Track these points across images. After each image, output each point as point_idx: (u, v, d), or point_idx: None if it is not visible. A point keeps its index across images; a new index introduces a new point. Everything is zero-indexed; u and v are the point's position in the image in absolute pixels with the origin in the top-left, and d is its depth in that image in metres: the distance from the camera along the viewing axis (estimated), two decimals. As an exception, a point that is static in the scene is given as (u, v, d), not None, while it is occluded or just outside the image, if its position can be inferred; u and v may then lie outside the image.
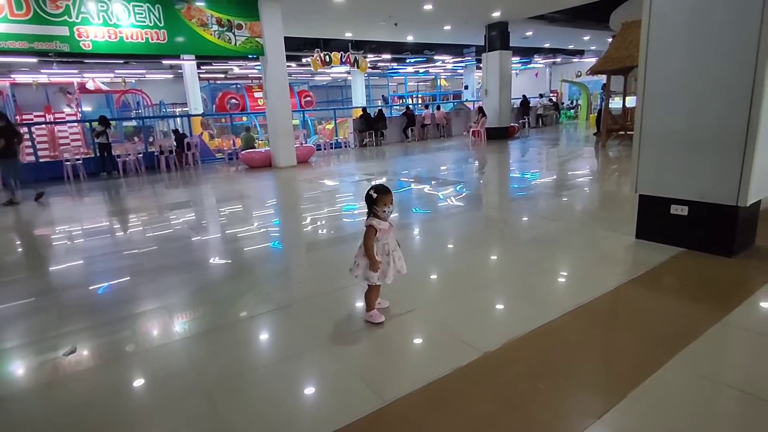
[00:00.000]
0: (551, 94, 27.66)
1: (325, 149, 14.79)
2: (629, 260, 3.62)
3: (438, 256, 4.06)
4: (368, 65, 18.14)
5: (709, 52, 3.24)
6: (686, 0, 3.30)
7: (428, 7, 11.84)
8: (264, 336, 2.70)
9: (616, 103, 14.91)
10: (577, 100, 26.09)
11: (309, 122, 18.32)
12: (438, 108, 18.57)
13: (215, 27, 9.70)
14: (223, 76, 23.11)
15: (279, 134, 10.92)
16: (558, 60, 27.81)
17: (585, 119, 22.29)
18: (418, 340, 2.49)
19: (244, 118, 17.88)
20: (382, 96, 28.52)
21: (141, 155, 11.61)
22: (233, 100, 18.78)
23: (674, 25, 3.39)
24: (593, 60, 23.95)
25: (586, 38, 19.40)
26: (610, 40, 16.41)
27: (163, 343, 2.61)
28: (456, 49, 20.30)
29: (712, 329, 2.39)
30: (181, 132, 13.05)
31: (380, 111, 16.09)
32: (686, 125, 3.43)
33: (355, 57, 16.11)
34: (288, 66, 12.61)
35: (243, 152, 11.68)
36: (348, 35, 15.66)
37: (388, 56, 20.80)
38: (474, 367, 2.16)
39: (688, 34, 3.32)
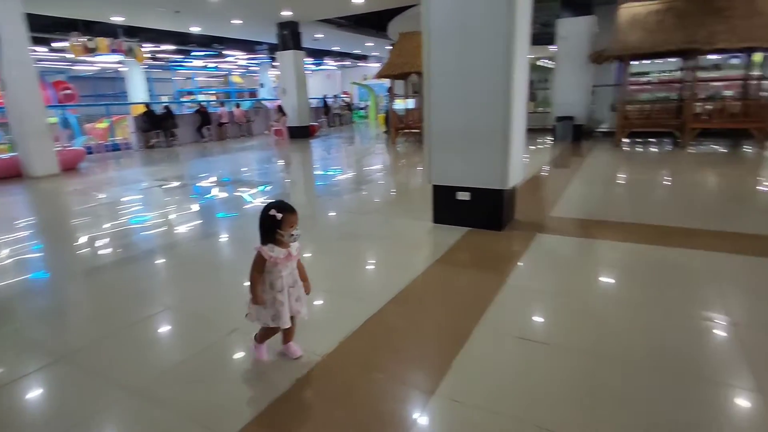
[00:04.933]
0: (344, 95, 29.37)
1: (98, 153, 12.42)
2: (431, 243, 4.11)
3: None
4: (145, 56, 15.91)
5: (474, 60, 3.89)
6: (455, 14, 3.87)
7: (214, -3, 11.03)
8: (40, 403, 2.08)
9: (399, 104, 16.75)
10: (366, 102, 28.37)
11: (73, 120, 15.04)
12: (237, 106, 17.62)
13: None
14: None
15: (29, 135, 8.61)
16: (347, 63, 29.67)
17: (374, 119, 24.44)
18: (250, 361, 2.28)
19: (-32, 116, 13.54)
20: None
21: None
22: (-55, 91, 13.95)
23: (447, 35, 3.96)
24: (376, 65, 26.44)
25: (369, 44, 21.20)
26: (389, 48, 18.35)
27: None
28: (248, 46, 19.57)
29: (500, 292, 2.91)
30: None
31: (168, 108, 14.35)
32: (463, 124, 4.06)
33: (129, 45, 13.90)
34: (34, 51, 10.00)
35: (-29, 160, 8.82)
36: (117, 19, 13.36)
37: (170, 47, 18.62)
38: (313, 375, 2.10)
39: (459, 43, 3.92)
